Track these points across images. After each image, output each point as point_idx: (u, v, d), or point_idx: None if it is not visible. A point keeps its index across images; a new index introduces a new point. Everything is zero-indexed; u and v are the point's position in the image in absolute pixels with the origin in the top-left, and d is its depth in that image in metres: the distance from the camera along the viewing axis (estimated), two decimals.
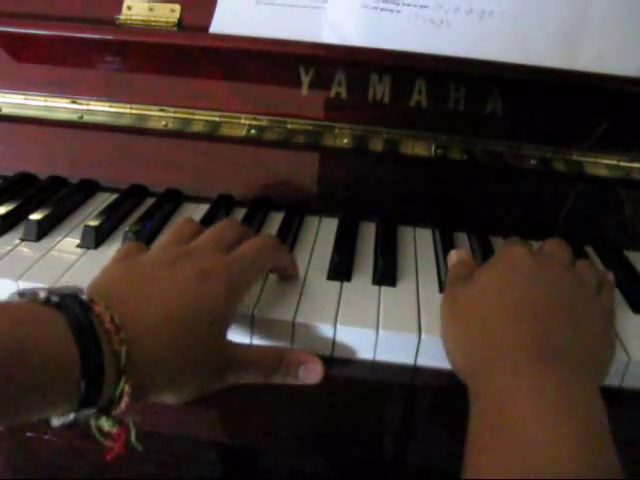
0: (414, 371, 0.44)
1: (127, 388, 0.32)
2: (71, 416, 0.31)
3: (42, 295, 0.32)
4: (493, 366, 0.37)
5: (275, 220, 0.60)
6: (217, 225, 0.46)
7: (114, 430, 0.32)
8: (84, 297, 0.33)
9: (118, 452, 0.33)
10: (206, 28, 0.59)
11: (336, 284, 0.49)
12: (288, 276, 0.49)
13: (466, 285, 0.44)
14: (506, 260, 0.45)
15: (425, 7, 0.57)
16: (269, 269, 0.47)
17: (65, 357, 0.30)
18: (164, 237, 0.45)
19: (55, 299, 0.32)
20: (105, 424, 0.32)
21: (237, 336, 0.45)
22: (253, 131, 0.60)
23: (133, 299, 0.35)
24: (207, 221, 0.57)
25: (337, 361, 0.45)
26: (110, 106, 0.62)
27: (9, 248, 0.52)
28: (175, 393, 0.36)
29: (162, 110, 0.61)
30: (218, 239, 0.43)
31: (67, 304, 0.32)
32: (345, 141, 0.60)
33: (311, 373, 0.41)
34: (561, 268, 0.44)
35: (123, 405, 0.32)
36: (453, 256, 0.50)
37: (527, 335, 0.38)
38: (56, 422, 0.32)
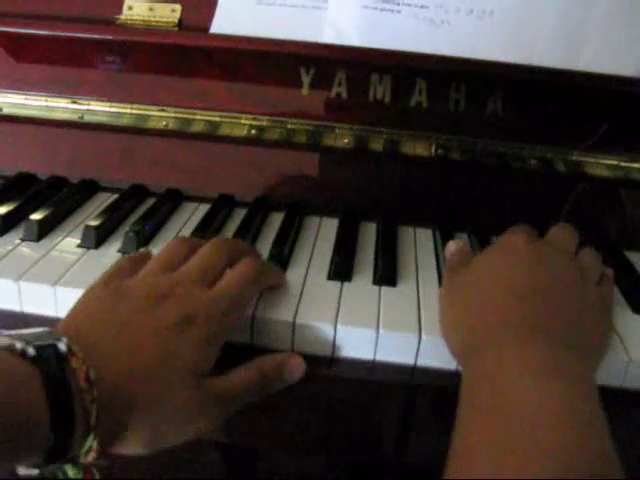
0: (414, 371, 0.44)
1: (95, 445, 0.32)
2: (38, 467, 0.31)
3: (19, 346, 0.31)
4: (490, 339, 0.37)
5: (275, 220, 0.60)
6: (207, 247, 0.44)
7: (79, 476, 0.32)
8: (62, 348, 0.32)
9: None
10: (207, 28, 0.59)
11: (336, 284, 0.49)
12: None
13: (464, 271, 0.45)
14: (504, 245, 0.45)
15: (425, 7, 0.57)
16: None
17: (36, 414, 0.30)
18: (155, 258, 0.43)
19: (31, 352, 0.31)
20: (70, 471, 0.32)
21: (237, 337, 0.45)
22: (253, 131, 0.60)
23: (110, 346, 0.35)
24: (207, 222, 0.57)
25: (337, 361, 0.45)
26: (110, 106, 0.62)
27: (9, 248, 0.52)
28: (151, 444, 0.35)
29: (162, 110, 0.61)
30: (206, 268, 0.42)
31: (43, 358, 0.31)
32: (345, 141, 0.60)
33: (295, 369, 0.41)
34: (559, 255, 0.44)
35: (90, 458, 0.32)
36: (451, 246, 0.51)
37: (529, 313, 0.38)
38: (23, 471, 0.31)
